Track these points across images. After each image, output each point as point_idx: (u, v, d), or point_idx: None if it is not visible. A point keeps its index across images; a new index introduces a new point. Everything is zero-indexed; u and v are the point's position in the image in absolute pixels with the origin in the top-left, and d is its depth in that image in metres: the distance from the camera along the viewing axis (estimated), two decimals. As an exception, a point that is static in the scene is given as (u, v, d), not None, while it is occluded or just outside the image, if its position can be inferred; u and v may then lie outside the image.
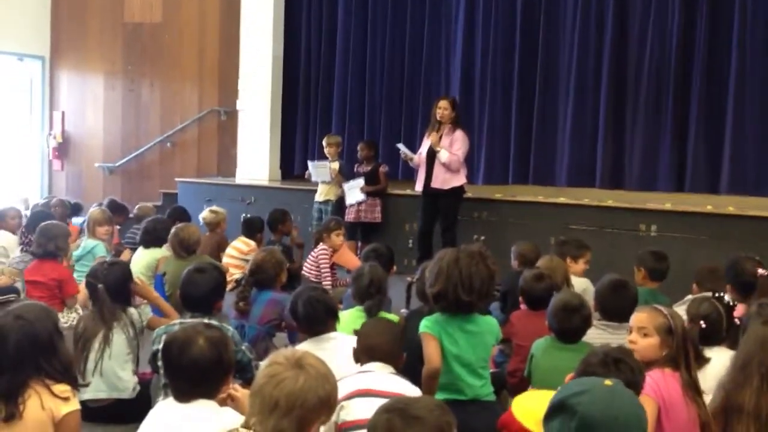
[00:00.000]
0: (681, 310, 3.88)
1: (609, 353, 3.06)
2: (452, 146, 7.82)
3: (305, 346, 3.67)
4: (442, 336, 3.79)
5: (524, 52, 9.12)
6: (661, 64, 8.26)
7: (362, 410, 2.96)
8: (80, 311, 5.83)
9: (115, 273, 4.38)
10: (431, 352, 3.75)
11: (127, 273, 4.53)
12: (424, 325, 3.83)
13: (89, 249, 6.68)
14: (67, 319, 5.57)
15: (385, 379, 3.24)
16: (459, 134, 7.88)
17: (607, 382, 2.06)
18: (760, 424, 2.72)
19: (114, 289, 4.31)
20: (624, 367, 3.04)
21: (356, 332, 3.51)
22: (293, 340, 4.69)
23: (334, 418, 3.05)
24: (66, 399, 2.84)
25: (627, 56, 8.50)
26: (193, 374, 2.75)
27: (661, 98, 8.27)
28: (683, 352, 3.29)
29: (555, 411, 2.01)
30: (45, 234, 5.97)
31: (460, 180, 7.95)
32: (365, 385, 3.15)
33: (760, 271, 4.83)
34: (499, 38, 9.30)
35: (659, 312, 3.34)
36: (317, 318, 3.90)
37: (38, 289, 5.82)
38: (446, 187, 7.88)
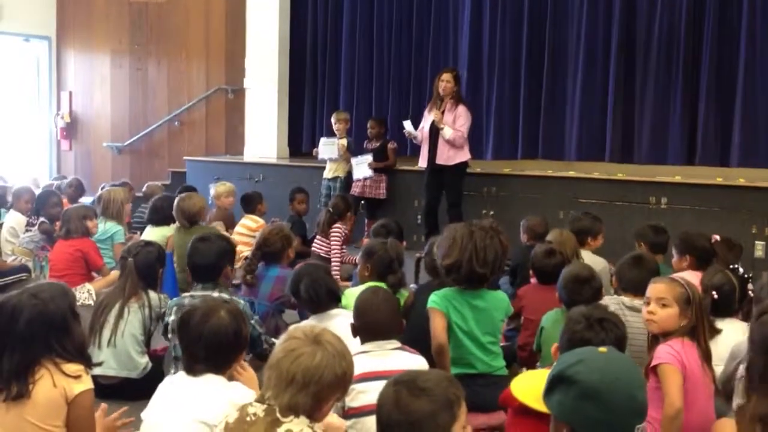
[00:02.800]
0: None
1: (590, 316, 3.06)
2: (455, 122, 7.75)
3: (309, 323, 3.68)
4: (449, 311, 3.79)
5: (533, 25, 9.04)
6: (670, 36, 8.17)
7: (368, 395, 2.97)
8: (92, 292, 5.89)
9: (147, 253, 4.43)
10: (437, 328, 3.75)
11: (159, 258, 4.54)
12: (432, 300, 3.82)
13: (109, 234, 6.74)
14: (79, 296, 5.60)
15: (388, 357, 3.23)
16: (462, 109, 7.80)
17: (602, 349, 2.08)
18: None
19: (142, 266, 4.35)
20: (609, 325, 3.05)
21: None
22: (303, 317, 4.70)
23: (339, 402, 3.05)
24: (78, 378, 2.84)
25: (636, 28, 8.40)
26: (212, 344, 2.76)
27: (670, 70, 8.19)
28: (701, 322, 3.30)
29: (555, 384, 2.01)
30: (66, 218, 6.23)
31: (464, 155, 7.90)
32: (369, 368, 3.13)
33: (715, 237, 4.91)
34: (507, 11, 9.21)
35: (677, 282, 3.35)
36: (320, 301, 3.91)
37: (60, 263, 6.05)
38: (451, 163, 7.82)
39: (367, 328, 3.33)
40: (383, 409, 2.11)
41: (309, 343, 2.30)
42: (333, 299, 3.94)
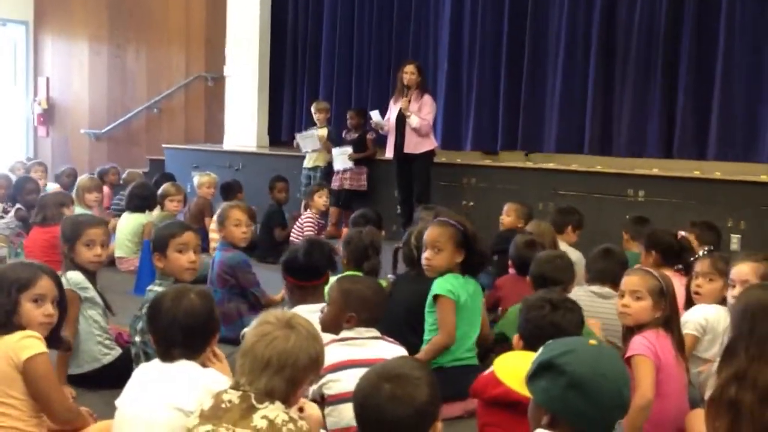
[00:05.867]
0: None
1: (551, 299, 3.07)
2: (421, 111, 7.92)
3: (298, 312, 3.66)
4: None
5: (513, 17, 9.04)
6: (650, 30, 8.19)
7: (345, 383, 2.97)
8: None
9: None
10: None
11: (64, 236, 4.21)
12: (447, 289, 3.85)
13: None
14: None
15: (368, 346, 3.20)
16: (427, 99, 8.02)
17: (591, 342, 2.08)
18: None
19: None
20: (570, 305, 3.08)
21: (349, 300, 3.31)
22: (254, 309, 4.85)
23: (317, 390, 3.05)
24: (24, 345, 2.81)
25: (616, 21, 8.43)
26: (187, 326, 2.73)
27: (650, 64, 8.22)
28: (675, 313, 3.33)
29: (542, 370, 2.00)
30: (42, 205, 6.16)
31: (431, 144, 8.11)
32: (348, 356, 3.12)
33: (681, 233, 4.98)
34: (488, 3, 9.22)
35: (650, 275, 3.36)
36: (316, 266, 3.90)
37: (36, 249, 5.97)
38: (419, 150, 7.99)
39: (371, 320, 3.27)
40: (369, 403, 2.07)
41: (282, 327, 2.31)
42: (330, 264, 3.98)
